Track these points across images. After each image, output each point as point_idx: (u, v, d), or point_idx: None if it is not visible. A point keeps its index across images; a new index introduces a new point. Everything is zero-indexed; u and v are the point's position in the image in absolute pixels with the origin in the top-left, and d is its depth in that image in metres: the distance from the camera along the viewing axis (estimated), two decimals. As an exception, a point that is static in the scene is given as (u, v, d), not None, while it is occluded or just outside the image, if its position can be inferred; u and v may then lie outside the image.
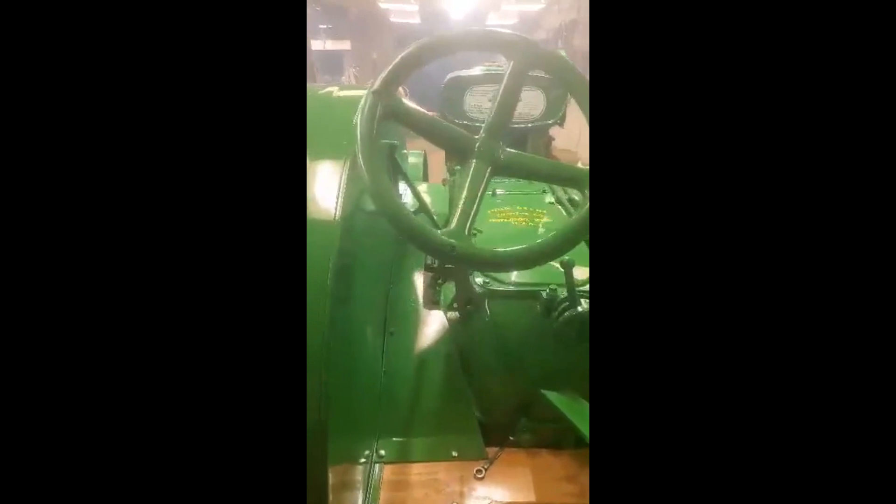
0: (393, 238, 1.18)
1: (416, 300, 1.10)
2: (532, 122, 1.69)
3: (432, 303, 1.12)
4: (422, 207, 0.97)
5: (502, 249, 0.67)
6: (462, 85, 1.65)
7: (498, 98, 0.71)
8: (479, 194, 0.67)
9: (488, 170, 0.69)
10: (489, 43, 0.69)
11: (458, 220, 0.65)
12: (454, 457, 0.85)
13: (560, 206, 1.31)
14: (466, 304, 0.95)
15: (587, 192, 0.70)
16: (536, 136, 1.77)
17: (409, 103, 0.66)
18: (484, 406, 0.93)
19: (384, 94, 0.63)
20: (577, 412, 0.79)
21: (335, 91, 0.92)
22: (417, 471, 0.83)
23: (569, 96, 1.73)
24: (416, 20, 8.58)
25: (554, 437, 0.90)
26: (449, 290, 1.11)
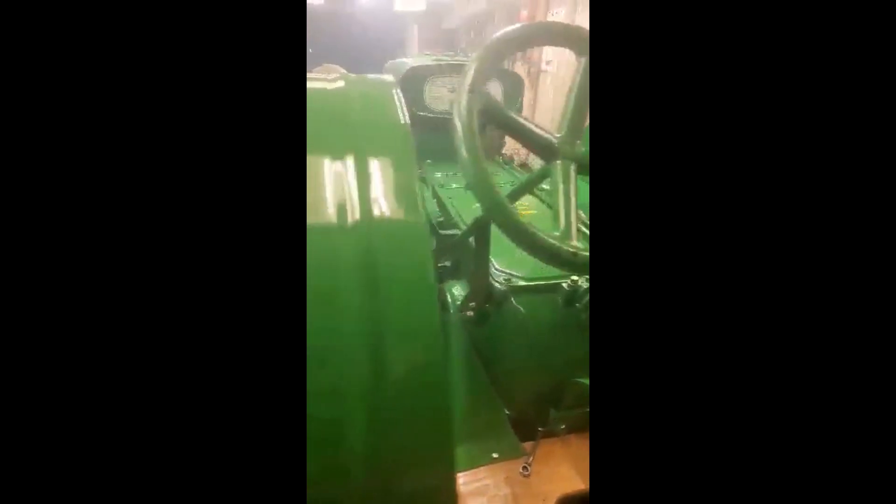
0: None
1: None
2: None
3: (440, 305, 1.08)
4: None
5: None
6: (421, 76, 1.61)
7: (574, 95, 0.73)
8: (572, 195, 0.68)
9: (572, 168, 0.70)
10: (566, 38, 0.73)
11: (564, 225, 0.66)
12: (495, 458, 0.84)
13: (535, 197, 1.34)
14: (486, 303, 0.93)
15: None
16: (494, 126, 1.78)
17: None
18: (511, 402, 0.93)
19: (480, 93, 0.65)
20: None
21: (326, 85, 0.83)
22: (463, 480, 0.81)
23: (524, 87, 1.76)
24: (320, 0, 8.11)
25: (582, 421, 0.93)
26: (456, 289, 1.08)
